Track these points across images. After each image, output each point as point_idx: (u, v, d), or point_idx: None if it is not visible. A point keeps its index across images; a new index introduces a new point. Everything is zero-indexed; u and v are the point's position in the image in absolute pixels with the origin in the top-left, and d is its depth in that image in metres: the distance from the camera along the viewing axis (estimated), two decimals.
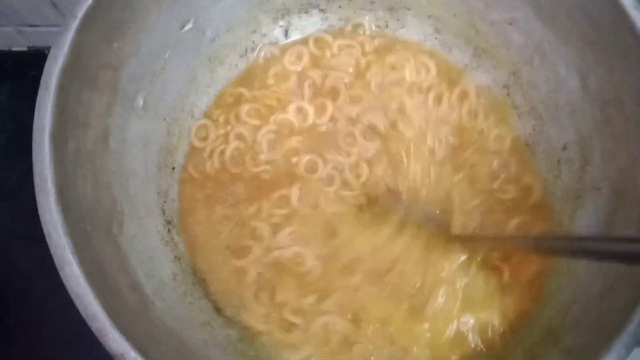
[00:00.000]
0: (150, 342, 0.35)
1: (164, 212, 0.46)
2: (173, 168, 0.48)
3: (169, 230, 0.46)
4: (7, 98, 0.78)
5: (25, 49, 0.77)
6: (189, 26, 0.48)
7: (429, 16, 0.53)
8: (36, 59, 0.77)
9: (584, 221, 0.44)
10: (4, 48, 0.77)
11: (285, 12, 0.53)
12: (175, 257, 0.45)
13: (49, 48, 0.76)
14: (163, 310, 0.39)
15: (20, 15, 0.71)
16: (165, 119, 0.48)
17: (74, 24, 0.37)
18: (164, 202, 0.47)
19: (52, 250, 0.33)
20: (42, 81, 0.36)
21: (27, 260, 0.69)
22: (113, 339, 0.32)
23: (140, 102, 0.45)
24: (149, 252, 0.43)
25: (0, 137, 0.76)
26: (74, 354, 0.64)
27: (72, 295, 0.33)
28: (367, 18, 0.54)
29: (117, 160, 0.43)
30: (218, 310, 0.44)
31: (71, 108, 0.38)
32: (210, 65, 0.51)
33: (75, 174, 0.37)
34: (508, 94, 0.51)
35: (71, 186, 0.36)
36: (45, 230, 0.34)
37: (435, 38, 0.54)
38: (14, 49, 0.78)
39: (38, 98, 0.36)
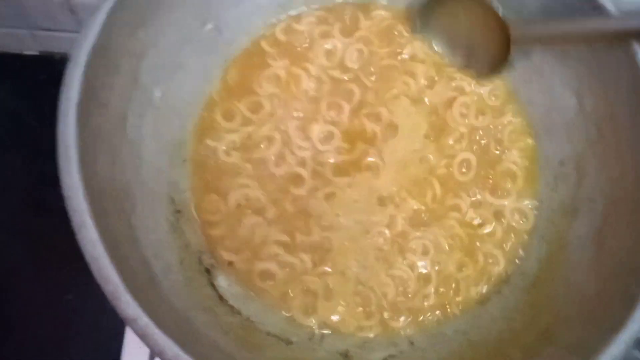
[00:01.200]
0: (159, 314, 0.35)
1: (173, 200, 0.47)
2: (184, 160, 0.50)
3: (177, 219, 0.47)
4: (14, 100, 0.79)
5: (36, 53, 0.79)
6: (209, 26, 0.50)
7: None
8: (46, 63, 0.78)
9: (580, 230, 0.46)
10: (16, 51, 0.79)
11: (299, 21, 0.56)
12: (183, 244, 0.46)
13: (60, 53, 0.79)
14: (170, 289, 0.40)
15: (36, 18, 0.73)
16: (179, 113, 0.50)
17: (107, 6, 0.39)
18: (174, 191, 0.48)
19: (71, 214, 0.34)
20: (72, 56, 0.38)
21: (14, 257, 0.69)
22: (126, 302, 0.32)
23: (158, 93, 0.47)
24: (158, 235, 0.43)
25: (3, 137, 0.76)
26: (68, 356, 0.64)
27: (88, 258, 0.33)
28: None
29: (133, 145, 0.44)
30: (222, 299, 0.45)
31: (96, 87, 0.39)
32: (224, 66, 0.53)
33: (96, 149, 0.38)
34: None
35: (91, 159, 0.37)
36: (65, 194, 0.34)
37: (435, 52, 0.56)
38: (25, 52, 0.79)
39: (67, 72, 0.37)
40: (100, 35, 0.39)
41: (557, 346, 0.39)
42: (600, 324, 0.38)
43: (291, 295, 0.46)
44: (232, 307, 0.45)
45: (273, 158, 0.50)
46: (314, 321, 0.46)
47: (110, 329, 0.56)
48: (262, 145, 0.50)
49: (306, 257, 0.47)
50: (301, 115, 0.52)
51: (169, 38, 0.47)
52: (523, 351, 0.41)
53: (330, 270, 0.47)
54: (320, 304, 0.46)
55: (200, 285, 0.44)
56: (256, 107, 0.52)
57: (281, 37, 0.54)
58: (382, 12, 0.55)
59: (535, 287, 0.46)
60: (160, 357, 0.32)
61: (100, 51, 0.39)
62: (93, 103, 0.39)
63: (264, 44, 0.54)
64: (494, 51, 0.50)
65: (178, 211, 0.47)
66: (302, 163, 0.50)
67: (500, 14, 0.48)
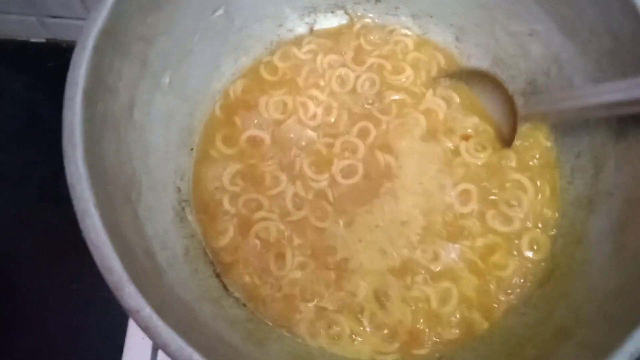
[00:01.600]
0: (163, 305, 0.34)
1: (179, 189, 0.46)
2: (192, 149, 0.49)
3: (183, 208, 0.46)
4: (23, 87, 0.78)
5: (43, 40, 0.79)
6: (220, 12, 0.49)
7: (451, 25, 0.54)
8: (54, 51, 0.78)
9: (597, 226, 0.44)
10: (23, 38, 0.78)
11: (312, 10, 0.55)
12: (189, 234, 0.45)
13: (67, 41, 0.78)
14: (175, 280, 0.39)
15: (45, 5, 0.72)
16: (188, 101, 0.49)
17: None
18: (180, 180, 0.47)
19: (74, 202, 0.33)
20: (79, 40, 0.37)
21: (29, 249, 0.69)
22: (129, 293, 0.32)
23: (167, 80, 0.46)
24: (164, 224, 0.43)
25: (12, 124, 0.76)
26: (69, 342, 0.64)
27: (91, 247, 0.32)
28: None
29: (140, 132, 0.43)
30: (228, 291, 0.44)
31: (103, 72, 0.38)
32: (235, 54, 0.52)
33: (102, 136, 0.38)
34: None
35: (97, 146, 0.37)
36: (69, 182, 0.34)
37: (455, 46, 0.55)
38: (33, 39, 0.79)
39: (74, 55, 0.37)
40: (109, 20, 0.38)
41: (573, 343, 0.38)
42: (617, 320, 0.37)
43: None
44: (237, 299, 0.44)
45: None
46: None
47: (114, 319, 0.55)
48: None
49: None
50: None
51: (179, 24, 0.46)
52: (537, 348, 0.40)
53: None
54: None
55: (205, 277, 0.44)
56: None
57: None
58: None
59: (550, 281, 0.45)
60: (163, 350, 0.31)
61: (108, 35, 0.38)
62: (100, 88, 0.38)
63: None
64: (508, 126, 0.50)
65: (184, 200, 0.46)
66: None
67: (510, 92, 0.49)
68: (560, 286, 0.44)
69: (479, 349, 0.43)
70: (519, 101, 0.49)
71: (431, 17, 0.55)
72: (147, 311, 0.31)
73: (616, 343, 0.33)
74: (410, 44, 0.55)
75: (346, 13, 0.56)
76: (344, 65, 0.54)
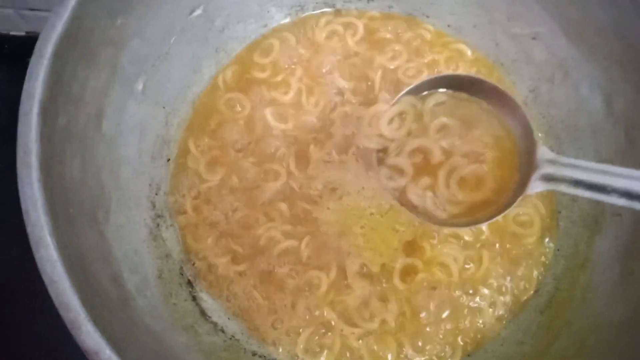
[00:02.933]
0: (128, 340, 0.31)
1: (154, 205, 0.43)
2: (168, 160, 0.45)
3: (157, 225, 0.43)
4: (1, 83, 0.75)
5: (23, 33, 0.75)
6: (198, 12, 0.45)
7: (448, 25, 0.51)
8: (34, 44, 0.74)
9: (602, 248, 0.41)
10: (3, 31, 0.75)
11: (299, 9, 0.51)
12: (163, 253, 0.42)
13: None
14: (145, 308, 0.36)
15: None
16: (164, 108, 0.45)
17: None
18: (155, 194, 0.44)
19: (28, 229, 0.30)
20: (36, 48, 0.34)
21: (8, 251, 0.66)
22: (87, 332, 0.29)
23: (140, 86, 0.43)
24: (135, 245, 0.39)
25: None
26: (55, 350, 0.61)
27: (46, 281, 0.29)
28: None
29: (110, 144, 0.40)
30: (204, 315, 0.41)
31: (65, 80, 0.35)
32: (217, 56, 0.49)
33: (63, 152, 0.34)
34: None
35: (57, 164, 0.33)
36: (23, 207, 0.30)
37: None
38: (12, 33, 0.75)
39: (30, 65, 0.34)
40: (71, 23, 0.34)
41: None
42: (624, 356, 0.34)
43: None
44: (215, 324, 0.41)
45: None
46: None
47: None
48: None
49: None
50: None
51: (153, 26, 0.42)
52: None
53: None
54: None
55: (180, 300, 0.41)
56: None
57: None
58: None
59: (551, 307, 0.42)
60: None
61: (70, 42, 0.34)
62: (62, 99, 0.35)
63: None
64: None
65: (159, 216, 0.43)
66: None
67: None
68: (562, 313, 0.41)
69: None
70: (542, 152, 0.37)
71: (427, 17, 0.51)
72: (107, 353, 0.28)
73: None
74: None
75: (336, 11, 0.52)
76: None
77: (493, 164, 0.39)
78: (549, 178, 0.35)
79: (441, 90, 0.41)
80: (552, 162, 0.35)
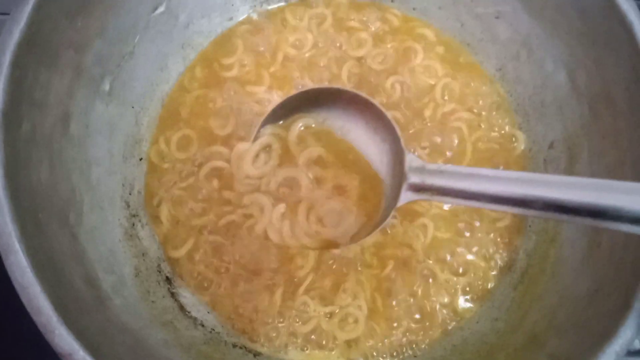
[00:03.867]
0: (104, 340, 0.32)
1: (128, 204, 0.43)
2: (140, 159, 0.46)
3: (133, 225, 0.43)
4: None
5: None
6: (161, 9, 0.45)
7: (413, 8, 0.51)
8: None
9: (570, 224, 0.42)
10: None
11: (263, 1, 0.51)
12: (140, 252, 0.42)
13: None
14: (121, 307, 0.36)
15: None
16: (133, 107, 0.46)
17: None
18: (129, 194, 0.44)
19: None
20: None
21: None
22: (60, 335, 0.29)
23: (107, 86, 0.43)
24: (110, 245, 0.40)
25: None
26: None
27: (17, 287, 0.30)
28: None
29: (78, 147, 0.40)
30: (184, 310, 0.42)
31: (27, 86, 0.35)
32: (183, 52, 0.49)
33: (29, 157, 0.34)
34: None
35: (23, 170, 0.33)
36: None
37: None
38: None
39: None
40: (28, 30, 0.34)
41: (544, 354, 0.36)
42: (591, 329, 0.34)
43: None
44: (194, 318, 0.42)
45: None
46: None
47: None
48: None
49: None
50: None
51: (115, 25, 0.42)
52: (509, 357, 0.38)
53: None
54: None
55: (158, 298, 0.41)
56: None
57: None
58: None
59: (523, 283, 0.43)
60: None
61: (29, 47, 0.34)
62: (25, 105, 0.35)
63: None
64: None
65: (134, 215, 0.44)
66: None
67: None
68: (533, 288, 0.41)
69: (450, 358, 0.41)
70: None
71: (392, 1, 0.51)
72: (80, 354, 0.29)
73: (589, 357, 0.31)
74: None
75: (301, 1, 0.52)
76: None
77: (357, 195, 0.39)
78: (417, 188, 0.34)
79: (303, 112, 0.41)
80: (420, 170, 0.34)
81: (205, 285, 0.43)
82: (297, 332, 0.42)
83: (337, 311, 0.42)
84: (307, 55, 0.49)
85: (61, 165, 0.38)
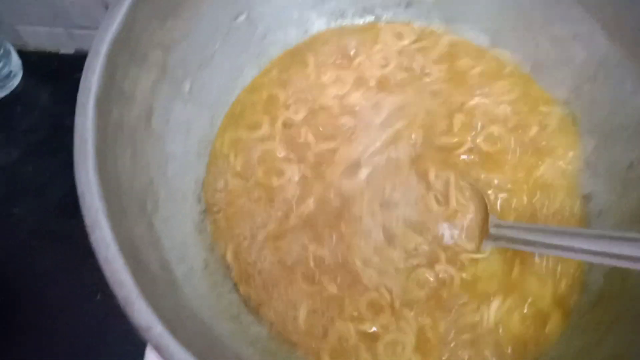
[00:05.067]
0: (177, 323, 0.32)
1: (199, 199, 0.44)
2: None
3: (203, 220, 0.44)
4: (49, 98, 0.78)
5: (72, 51, 0.78)
6: (242, 18, 0.47)
7: (486, 29, 0.51)
8: (81, 62, 0.77)
9: None
10: (52, 49, 0.79)
11: (339, 15, 0.52)
12: (209, 246, 0.43)
13: None
14: (192, 296, 0.37)
15: (71, 16, 0.72)
16: (209, 109, 0.47)
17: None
18: (201, 190, 0.45)
19: (84, 212, 0.31)
20: (92, 47, 0.36)
21: (46, 261, 0.68)
22: (139, 309, 0.29)
23: (187, 87, 0.44)
24: (182, 236, 0.41)
25: (37, 134, 0.76)
26: (91, 356, 0.62)
27: (101, 260, 0.30)
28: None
29: (158, 141, 0.41)
30: (248, 306, 0.42)
31: (118, 78, 0.37)
32: (257, 61, 0.50)
33: (116, 144, 0.36)
34: (568, 113, 0.49)
35: (110, 154, 0.35)
36: (79, 191, 0.32)
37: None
38: (62, 51, 0.78)
39: (87, 61, 0.35)
40: (124, 25, 0.36)
41: None
42: None
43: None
44: (259, 316, 0.41)
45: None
46: None
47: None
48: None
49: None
50: None
51: (199, 30, 0.44)
52: None
53: None
54: None
55: (225, 292, 0.41)
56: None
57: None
58: None
59: (601, 304, 0.41)
60: None
61: (123, 41, 0.36)
62: (115, 95, 0.36)
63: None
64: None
65: (204, 211, 0.44)
66: None
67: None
68: (611, 310, 0.40)
69: None
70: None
71: (466, 21, 0.52)
72: (159, 329, 0.29)
73: None
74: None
75: (375, 18, 0.53)
76: None
77: None
78: (495, 238, 0.43)
79: None
80: (497, 225, 0.43)
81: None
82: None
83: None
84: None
85: (142, 156, 0.39)
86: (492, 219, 0.44)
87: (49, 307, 0.66)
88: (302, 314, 0.42)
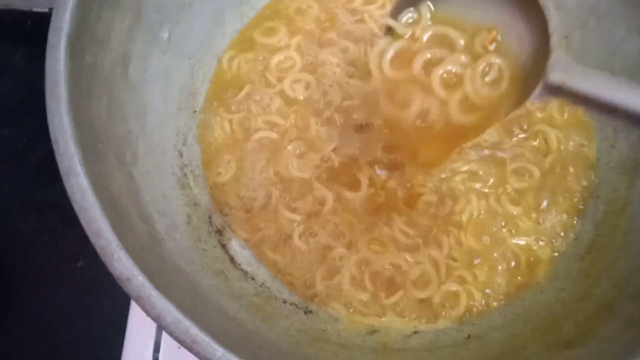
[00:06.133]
0: (160, 277, 0.31)
1: (181, 154, 0.43)
2: (194, 111, 0.45)
3: (185, 174, 0.42)
4: (24, 59, 0.75)
5: (46, 10, 0.75)
6: None
7: None
8: None
9: None
10: (25, 8, 0.75)
11: None
12: (191, 201, 0.41)
13: None
14: (174, 250, 0.35)
15: None
16: (189, 59, 0.45)
17: None
18: (183, 144, 0.43)
19: (58, 159, 0.30)
20: None
21: (26, 227, 0.66)
22: (119, 259, 0.28)
23: (165, 34, 0.42)
24: (163, 190, 0.39)
25: (12, 98, 0.73)
26: (72, 321, 0.61)
27: (77, 209, 0.29)
28: None
29: (135, 91, 0.39)
30: (234, 262, 0.40)
31: (91, 20, 0.34)
32: (241, 8, 0.48)
33: (90, 90, 0.34)
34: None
35: (85, 100, 0.33)
36: (52, 137, 0.30)
37: None
38: (35, 9, 0.75)
39: (56, 2, 0.33)
40: None
41: (618, 319, 0.33)
42: None
43: None
44: (245, 271, 0.40)
45: None
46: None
47: (121, 297, 0.52)
48: None
49: None
50: None
51: None
52: (577, 326, 0.36)
53: None
54: None
55: (209, 247, 0.40)
56: None
57: None
58: None
59: (591, 254, 0.40)
60: (157, 322, 0.28)
61: None
62: (88, 38, 0.34)
63: None
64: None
65: (186, 165, 0.43)
66: None
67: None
68: (602, 259, 0.39)
69: (511, 327, 0.39)
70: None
71: None
72: (139, 279, 0.28)
73: None
74: None
75: None
76: None
77: None
78: (556, 89, 0.30)
79: None
80: (564, 69, 0.31)
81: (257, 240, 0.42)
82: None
83: None
84: None
85: (119, 106, 0.37)
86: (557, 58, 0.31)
87: (29, 274, 0.64)
88: None
